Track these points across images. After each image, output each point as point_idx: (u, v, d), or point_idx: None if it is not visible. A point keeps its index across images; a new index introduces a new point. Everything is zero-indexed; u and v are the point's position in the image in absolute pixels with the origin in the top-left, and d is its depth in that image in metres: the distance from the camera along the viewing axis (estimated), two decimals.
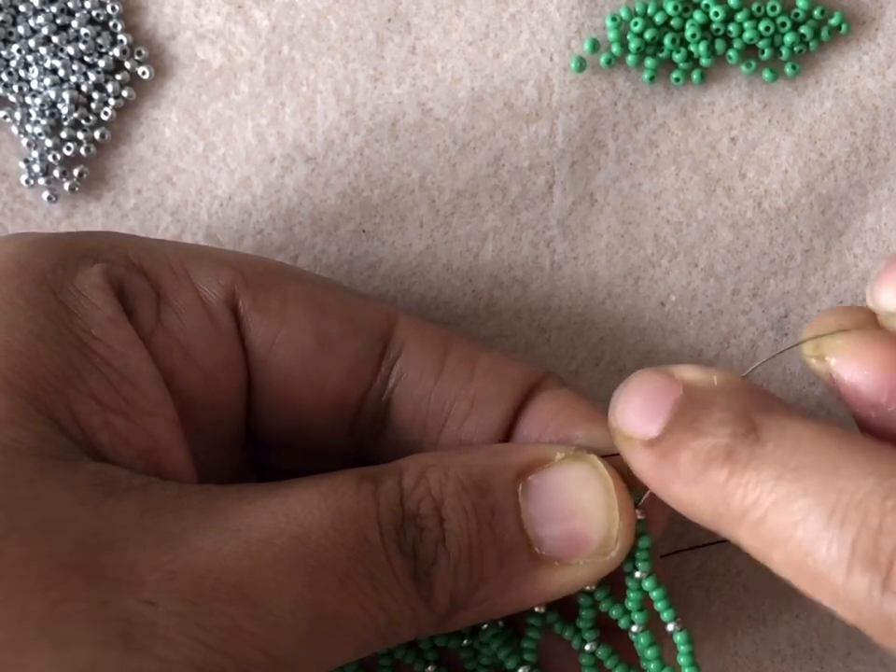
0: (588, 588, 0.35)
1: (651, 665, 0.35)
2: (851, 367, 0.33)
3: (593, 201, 0.43)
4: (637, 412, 0.33)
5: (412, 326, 0.37)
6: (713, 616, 0.43)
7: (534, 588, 0.33)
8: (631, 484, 0.34)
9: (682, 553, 0.42)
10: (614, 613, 0.35)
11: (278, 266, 0.38)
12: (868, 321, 0.35)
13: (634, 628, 0.35)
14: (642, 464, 0.33)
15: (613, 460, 0.34)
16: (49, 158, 0.42)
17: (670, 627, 0.34)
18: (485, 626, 0.36)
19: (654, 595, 0.34)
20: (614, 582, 0.35)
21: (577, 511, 0.33)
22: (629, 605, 0.35)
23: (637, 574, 0.34)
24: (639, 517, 0.34)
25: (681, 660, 0.34)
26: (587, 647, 0.35)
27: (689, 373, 0.33)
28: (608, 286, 0.43)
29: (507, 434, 0.36)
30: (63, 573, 0.28)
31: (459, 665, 0.37)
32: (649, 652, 0.34)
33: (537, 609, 0.35)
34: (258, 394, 0.36)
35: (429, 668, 0.36)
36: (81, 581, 0.28)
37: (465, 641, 0.36)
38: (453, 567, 0.32)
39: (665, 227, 0.43)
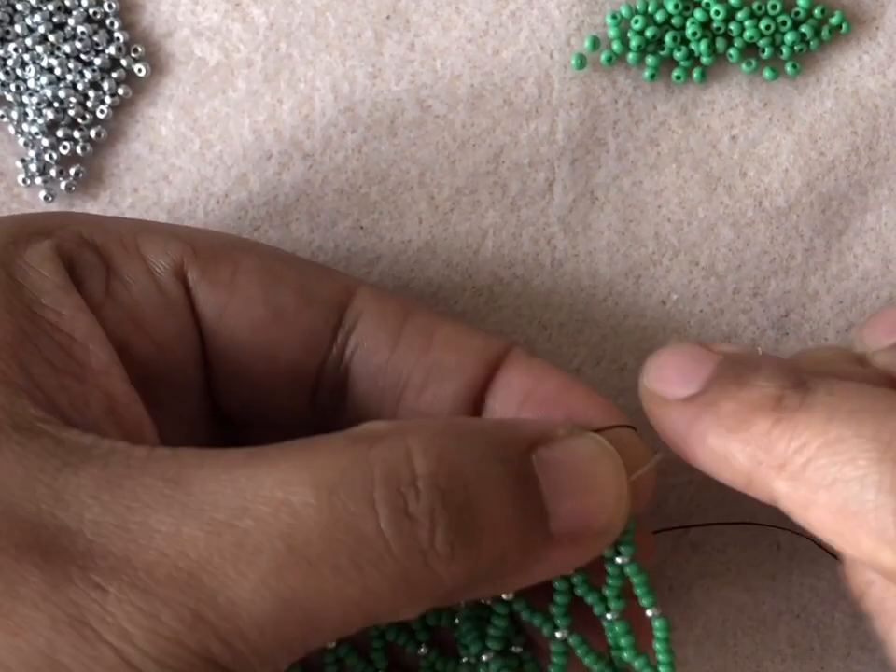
0: (619, 560, 0.34)
1: (626, 654, 0.34)
2: None
3: (593, 198, 0.42)
4: (676, 371, 0.33)
5: (371, 296, 0.36)
6: (713, 616, 0.43)
7: (543, 566, 0.32)
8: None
9: (683, 553, 0.42)
10: (590, 599, 0.34)
11: (233, 239, 0.38)
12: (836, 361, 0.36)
13: (609, 616, 0.34)
14: (676, 420, 0.33)
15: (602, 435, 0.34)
16: (46, 157, 0.42)
17: (649, 613, 0.34)
18: (505, 597, 0.35)
19: (636, 580, 0.34)
20: (589, 568, 0.34)
21: (590, 485, 0.32)
22: (607, 591, 0.34)
23: (619, 560, 0.34)
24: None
25: (658, 646, 0.34)
26: (558, 634, 0.35)
27: (728, 347, 0.34)
28: (609, 283, 0.43)
29: (473, 409, 0.36)
30: (17, 554, 0.27)
31: (452, 645, 0.36)
32: (624, 640, 0.34)
33: (504, 596, 0.35)
34: (213, 365, 0.36)
35: (422, 650, 0.36)
36: (33, 563, 0.27)
37: (457, 620, 0.36)
38: (478, 539, 0.30)
39: (666, 225, 0.43)
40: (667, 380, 0.33)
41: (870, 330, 0.37)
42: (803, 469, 0.30)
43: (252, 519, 0.28)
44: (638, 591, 0.34)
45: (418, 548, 0.29)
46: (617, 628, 0.34)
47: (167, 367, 0.35)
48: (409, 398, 0.36)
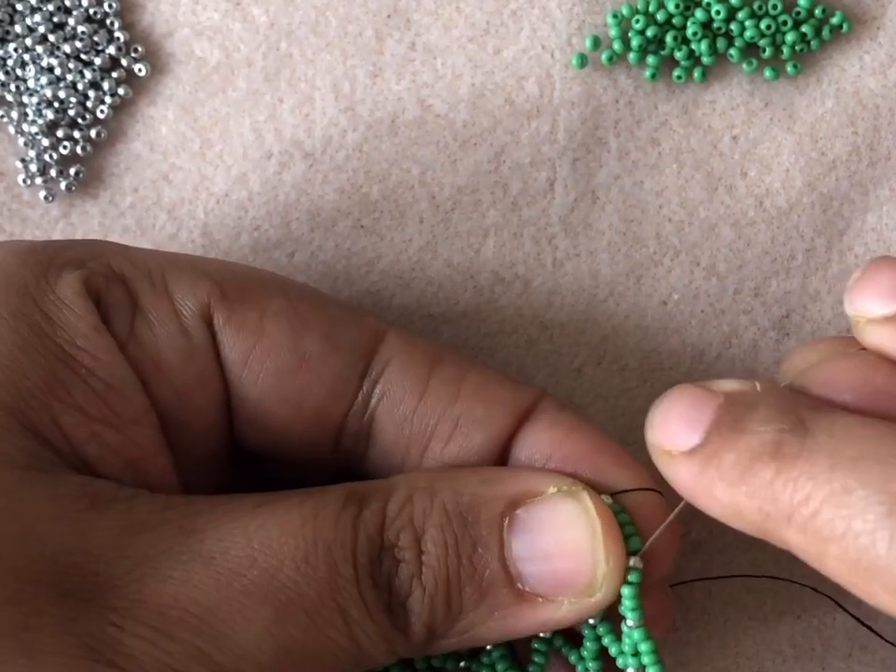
0: (591, 622, 0.34)
1: None
2: (831, 394, 0.33)
3: (594, 198, 0.42)
4: (677, 423, 0.33)
5: (399, 343, 0.36)
6: (715, 617, 0.43)
7: (517, 622, 0.33)
8: (636, 529, 0.34)
9: (684, 554, 0.42)
10: (613, 651, 0.34)
11: (262, 278, 0.37)
12: (835, 351, 0.35)
13: (629, 671, 0.34)
14: (683, 476, 0.32)
15: (624, 499, 0.34)
16: (46, 157, 0.42)
17: None
18: (488, 647, 0.35)
19: (642, 648, 0.33)
20: (615, 615, 0.34)
21: (561, 551, 0.33)
22: (624, 648, 0.34)
23: (629, 623, 0.33)
24: (637, 565, 0.33)
25: None
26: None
27: (728, 385, 0.33)
28: (610, 284, 0.42)
29: (501, 459, 0.36)
30: (34, 588, 0.28)
31: None
32: None
33: (542, 634, 0.35)
34: (236, 409, 0.35)
35: None
36: (51, 598, 0.28)
37: (462, 663, 0.36)
38: (428, 600, 0.32)
39: (667, 225, 0.43)
40: (670, 433, 0.33)
41: (860, 294, 0.34)
42: (811, 520, 0.30)
43: (258, 570, 0.30)
44: (645, 659, 0.33)
45: (387, 610, 0.32)
46: None
47: (187, 410, 0.35)
48: (435, 448, 0.36)
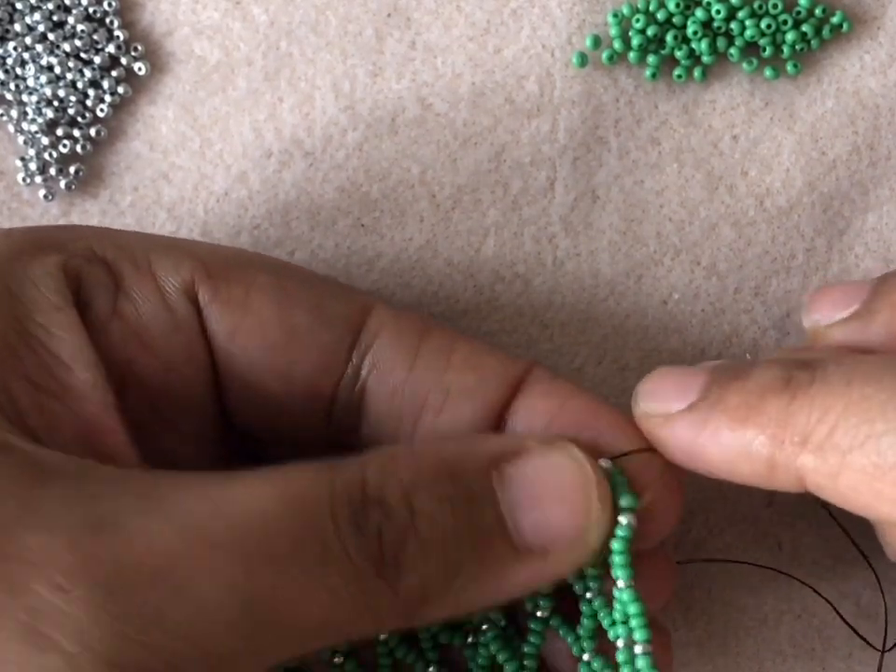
0: (588, 596, 0.34)
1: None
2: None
3: (595, 197, 0.42)
4: (670, 388, 0.33)
5: (387, 315, 0.36)
6: (715, 617, 0.43)
7: (511, 578, 0.32)
8: (634, 489, 0.34)
9: (684, 554, 0.42)
10: (605, 623, 0.34)
11: (246, 256, 0.37)
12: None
13: (619, 643, 0.34)
14: (681, 433, 0.32)
15: (624, 462, 0.34)
16: (46, 156, 0.42)
17: (638, 649, 0.33)
18: (485, 626, 0.35)
19: (630, 610, 0.33)
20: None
21: (554, 494, 0.32)
22: (615, 616, 0.34)
23: (619, 584, 0.33)
24: (630, 522, 0.33)
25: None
26: (584, 656, 0.35)
27: (713, 362, 0.34)
28: (610, 283, 0.42)
29: (495, 429, 0.36)
30: None
31: (462, 663, 0.36)
32: (624, 670, 0.34)
33: (539, 614, 0.35)
34: (225, 386, 0.35)
35: (431, 669, 0.36)
36: None
37: (469, 639, 0.35)
38: (424, 549, 0.30)
39: (668, 224, 0.43)
40: (663, 396, 0.33)
41: (817, 307, 0.37)
42: (829, 436, 0.30)
43: (223, 522, 0.28)
44: (633, 623, 0.33)
45: (371, 559, 0.30)
46: (620, 657, 0.34)
47: (174, 386, 0.35)
48: (427, 418, 0.35)
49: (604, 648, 0.35)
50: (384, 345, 0.36)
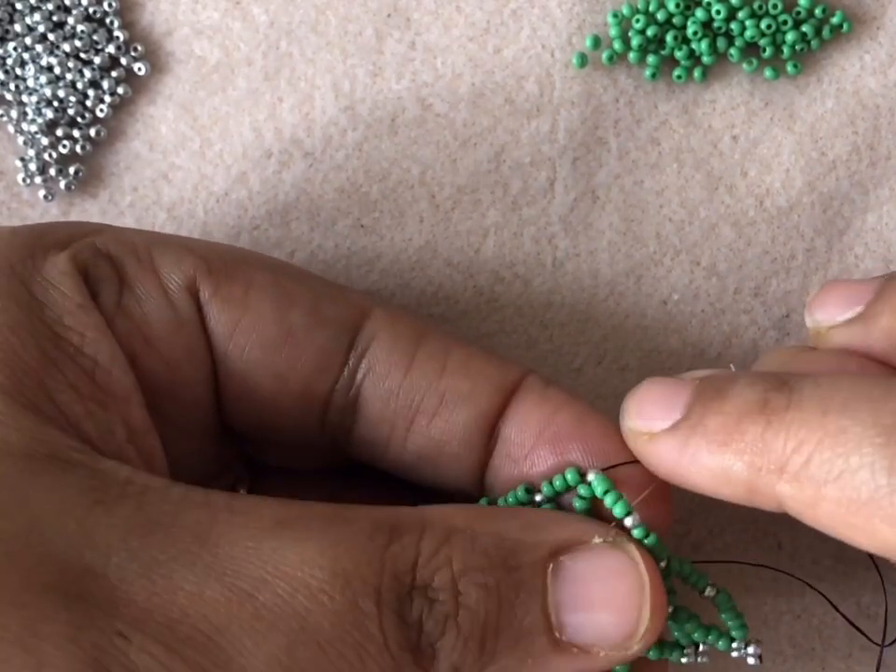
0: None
1: (696, 634, 0.34)
2: None
3: (594, 198, 0.42)
4: (655, 405, 0.33)
5: (385, 318, 0.36)
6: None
7: (548, 671, 0.32)
8: (626, 499, 0.34)
9: (684, 554, 0.42)
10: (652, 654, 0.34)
11: (247, 255, 0.37)
12: (804, 349, 0.36)
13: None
14: (665, 452, 0.32)
15: (613, 473, 0.34)
16: (46, 156, 0.42)
17: (708, 592, 0.34)
18: None
19: (685, 571, 0.34)
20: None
21: (607, 602, 0.32)
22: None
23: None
24: (630, 523, 0.33)
25: (725, 615, 0.34)
26: None
27: (700, 372, 0.33)
28: (610, 283, 0.42)
29: (486, 435, 0.36)
30: (41, 591, 0.27)
31: None
32: (688, 625, 0.34)
33: None
34: (223, 383, 0.35)
35: None
36: (59, 603, 0.27)
37: None
38: (462, 643, 0.30)
39: (668, 225, 0.43)
40: (648, 414, 0.33)
41: (820, 306, 0.36)
42: (805, 466, 0.30)
43: (271, 594, 0.29)
44: (691, 580, 0.34)
45: (409, 648, 0.30)
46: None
47: (175, 383, 0.35)
48: (421, 423, 0.35)
49: None
50: (380, 349, 0.36)
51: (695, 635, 0.34)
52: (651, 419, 0.33)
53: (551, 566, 0.32)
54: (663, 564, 0.34)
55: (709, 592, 0.34)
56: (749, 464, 0.31)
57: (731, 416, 0.31)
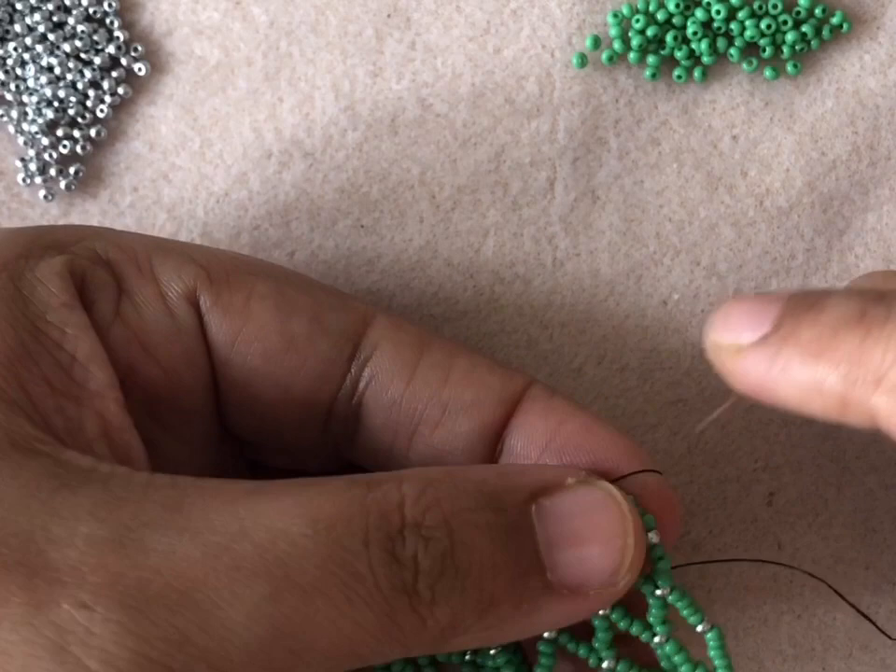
0: (602, 612, 0.34)
1: (683, 668, 0.34)
2: None
3: (595, 198, 0.42)
4: (744, 317, 0.32)
5: (388, 327, 0.36)
6: (715, 616, 0.42)
7: (541, 616, 0.32)
8: (644, 508, 0.34)
9: (684, 554, 0.42)
10: (634, 630, 0.34)
11: (248, 262, 0.37)
12: None
13: (657, 639, 0.34)
14: (754, 367, 0.31)
15: (625, 482, 0.34)
16: (46, 156, 0.42)
17: (700, 628, 0.34)
18: (493, 651, 0.35)
19: (681, 604, 0.34)
20: (626, 599, 0.34)
21: (592, 534, 0.32)
22: (651, 619, 0.34)
23: (659, 592, 0.34)
24: (655, 541, 0.34)
25: (713, 653, 0.34)
26: (605, 665, 0.35)
27: (789, 290, 0.33)
28: (610, 283, 0.42)
29: (489, 446, 0.36)
30: (1, 574, 0.27)
31: None
32: (678, 658, 0.34)
33: (546, 635, 0.34)
34: (224, 392, 0.35)
35: None
36: (16, 582, 0.27)
37: (468, 657, 0.35)
38: (461, 583, 0.30)
39: (668, 225, 0.43)
40: (736, 328, 0.32)
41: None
42: None
43: (250, 544, 0.28)
44: (685, 612, 0.34)
45: (404, 589, 0.29)
46: (668, 649, 0.34)
47: (174, 391, 0.35)
48: (424, 432, 0.35)
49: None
50: (382, 358, 0.35)
51: (683, 668, 0.34)
52: (740, 332, 0.32)
53: (533, 507, 0.32)
54: (661, 592, 0.34)
55: (703, 627, 0.34)
56: (844, 375, 0.30)
57: (826, 327, 0.30)
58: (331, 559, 0.28)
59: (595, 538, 0.32)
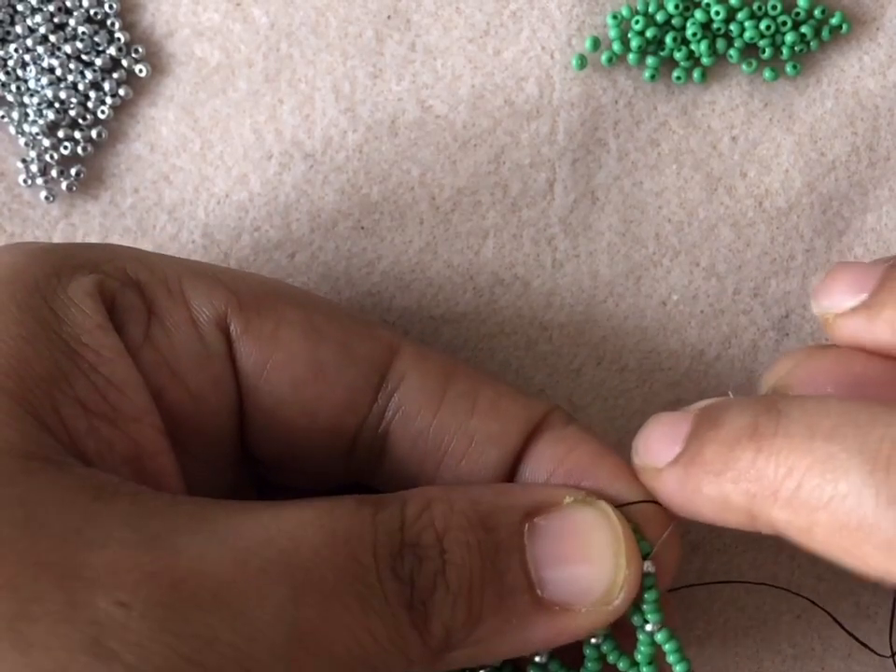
0: (594, 640, 0.34)
1: None
2: (814, 390, 0.34)
3: (594, 199, 0.42)
4: (659, 441, 0.33)
5: (413, 356, 0.36)
6: (714, 617, 0.43)
7: (533, 633, 0.32)
8: (643, 535, 0.34)
9: (684, 554, 0.42)
10: (622, 666, 0.34)
11: (277, 287, 0.37)
12: (810, 351, 0.36)
13: None
14: (671, 484, 0.33)
15: (627, 510, 0.34)
16: (47, 157, 0.42)
17: None
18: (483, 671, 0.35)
19: (667, 647, 0.34)
20: (619, 632, 0.34)
21: (583, 555, 0.33)
22: (638, 657, 0.34)
23: (649, 627, 0.34)
24: (649, 570, 0.34)
25: None
26: None
27: (702, 403, 0.34)
28: (609, 284, 0.43)
29: (510, 474, 0.36)
30: (35, 571, 0.27)
31: None
32: None
33: (538, 659, 0.35)
34: (250, 417, 0.35)
35: None
36: (54, 581, 0.27)
37: None
38: (452, 599, 0.31)
39: (667, 226, 0.43)
40: (653, 450, 0.34)
41: (825, 293, 0.36)
42: (796, 492, 0.30)
43: (275, 550, 0.29)
44: (671, 658, 0.34)
45: (405, 605, 0.31)
46: None
47: (201, 416, 0.35)
48: (450, 463, 0.36)
49: None
50: (410, 388, 0.36)
51: None
52: (657, 454, 0.33)
53: (527, 526, 0.33)
54: (650, 628, 0.34)
55: None
56: (744, 491, 0.31)
57: (724, 445, 0.32)
58: (348, 570, 0.30)
59: (585, 556, 0.33)
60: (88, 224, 0.42)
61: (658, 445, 0.33)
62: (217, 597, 0.28)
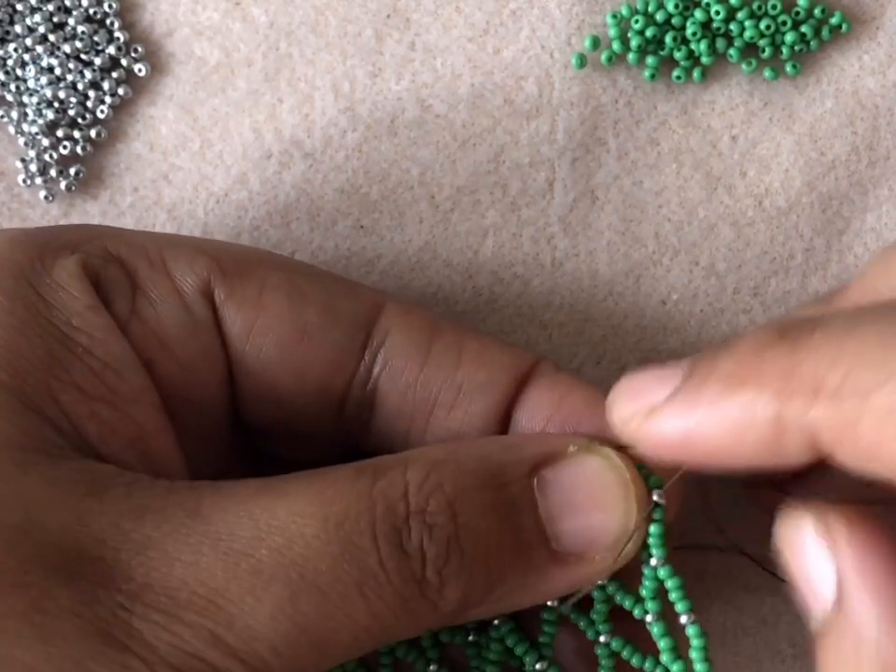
0: (600, 581, 0.34)
1: (664, 657, 0.34)
2: None
3: (594, 198, 0.42)
4: (647, 380, 0.31)
5: (398, 312, 0.36)
6: (714, 616, 0.43)
7: (549, 585, 0.32)
8: (650, 471, 0.34)
9: (682, 553, 0.42)
10: (627, 604, 0.34)
11: (258, 254, 0.38)
12: None
13: (648, 618, 0.34)
14: (671, 421, 0.30)
15: (627, 451, 0.34)
16: (46, 157, 0.42)
17: (683, 619, 0.33)
18: (496, 622, 0.35)
19: (669, 584, 0.33)
20: (626, 573, 0.34)
21: (595, 504, 0.32)
22: (643, 593, 0.34)
23: (653, 562, 0.33)
24: (657, 500, 0.33)
25: (693, 654, 0.33)
26: (602, 639, 0.35)
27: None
28: (609, 283, 0.43)
29: (502, 423, 0.36)
30: (43, 573, 0.28)
31: (463, 661, 0.36)
32: (661, 643, 0.34)
33: (549, 603, 0.35)
34: (239, 384, 0.36)
35: (432, 668, 0.36)
36: (60, 582, 0.28)
37: (471, 637, 0.35)
38: (468, 564, 0.31)
39: (667, 225, 0.43)
40: (643, 391, 0.31)
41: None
42: (844, 380, 0.26)
43: (267, 549, 0.29)
44: (672, 595, 0.33)
45: (414, 579, 0.30)
46: (655, 631, 0.34)
47: (192, 386, 0.35)
48: (439, 415, 0.36)
49: (621, 629, 0.35)
50: (395, 343, 0.36)
51: (664, 657, 0.34)
52: (645, 394, 0.31)
53: (535, 479, 0.32)
54: (654, 562, 0.34)
55: (685, 619, 0.33)
56: (776, 393, 0.28)
57: (748, 353, 0.29)
58: (343, 558, 0.30)
59: (596, 506, 0.32)
60: (87, 223, 0.42)
61: (649, 385, 0.31)
62: (211, 603, 0.28)
